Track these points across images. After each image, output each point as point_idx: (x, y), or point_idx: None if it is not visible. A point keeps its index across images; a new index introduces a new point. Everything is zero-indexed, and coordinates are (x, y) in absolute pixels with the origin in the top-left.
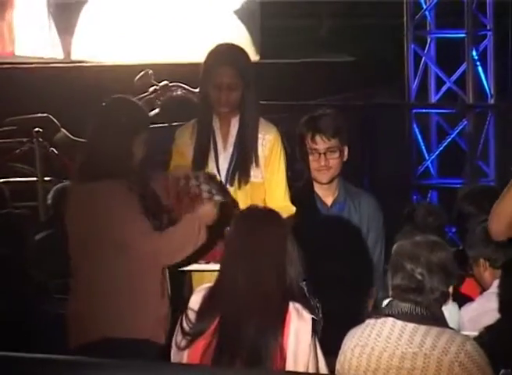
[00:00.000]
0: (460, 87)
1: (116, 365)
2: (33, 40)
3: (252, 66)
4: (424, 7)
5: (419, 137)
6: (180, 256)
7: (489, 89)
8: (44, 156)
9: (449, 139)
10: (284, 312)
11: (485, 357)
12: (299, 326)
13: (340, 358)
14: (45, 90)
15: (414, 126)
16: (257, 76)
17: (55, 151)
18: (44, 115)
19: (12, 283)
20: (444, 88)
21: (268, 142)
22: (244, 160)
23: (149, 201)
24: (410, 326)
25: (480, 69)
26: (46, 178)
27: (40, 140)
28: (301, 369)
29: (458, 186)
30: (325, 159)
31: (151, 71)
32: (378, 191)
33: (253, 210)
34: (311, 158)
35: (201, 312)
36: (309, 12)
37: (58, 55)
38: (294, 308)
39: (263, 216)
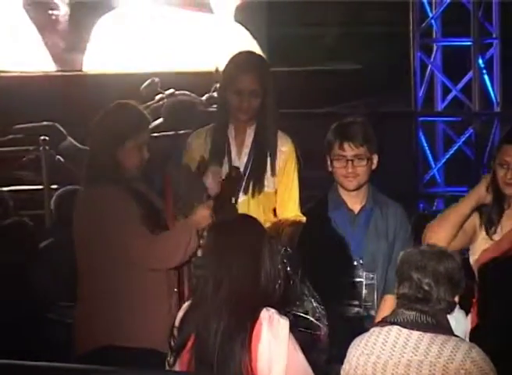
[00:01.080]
0: (467, 95)
1: (120, 373)
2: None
3: (271, 75)
4: (431, 15)
5: (425, 145)
6: (172, 261)
7: (495, 97)
8: (50, 164)
9: (456, 147)
10: (251, 319)
11: (491, 364)
12: (271, 332)
13: (345, 366)
14: (51, 98)
15: (421, 134)
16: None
17: (62, 160)
18: (51, 123)
19: (16, 291)
20: (450, 96)
21: (283, 154)
22: (259, 170)
23: (146, 205)
24: (416, 334)
25: (486, 77)
26: (52, 186)
27: (47, 148)
28: None
29: (464, 194)
30: (353, 167)
31: (157, 79)
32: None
33: (225, 220)
34: (338, 164)
35: (180, 328)
36: (315, 20)
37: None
38: (267, 315)
39: (235, 225)
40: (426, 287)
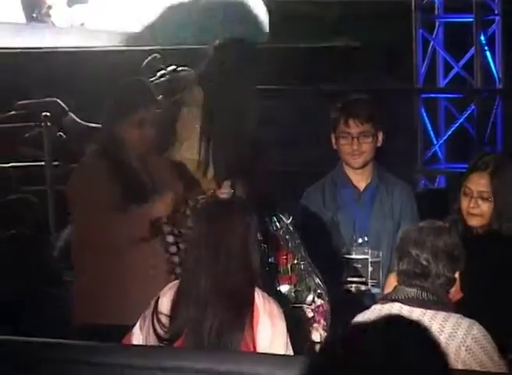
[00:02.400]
0: (468, 71)
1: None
2: None
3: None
4: None
5: (427, 121)
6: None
7: (497, 74)
8: (52, 140)
9: (457, 124)
10: (248, 306)
11: (492, 341)
12: (267, 313)
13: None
14: (53, 74)
15: (422, 110)
16: (263, 60)
17: (63, 136)
18: (53, 99)
19: (21, 265)
20: (452, 73)
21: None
22: None
23: (129, 181)
24: (417, 311)
25: (488, 53)
26: (54, 162)
27: (49, 124)
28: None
29: (465, 171)
30: (358, 144)
31: (159, 55)
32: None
33: (211, 204)
34: (343, 142)
35: (174, 316)
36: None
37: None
38: (261, 297)
39: (221, 208)
40: (424, 262)
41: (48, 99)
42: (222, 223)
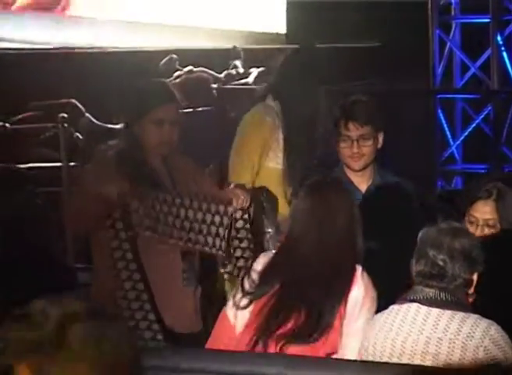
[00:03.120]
0: (485, 72)
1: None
2: None
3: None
4: None
5: (444, 122)
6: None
7: None
8: (68, 141)
9: (474, 125)
10: (352, 277)
11: (510, 342)
12: (362, 282)
13: (364, 343)
14: (70, 75)
15: (439, 111)
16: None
17: (80, 137)
18: (69, 100)
19: (38, 268)
20: (469, 74)
21: None
22: None
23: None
24: (435, 311)
25: (505, 54)
26: (71, 163)
27: (66, 125)
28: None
29: (483, 171)
30: (358, 146)
31: (175, 56)
32: (403, 177)
33: (319, 180)
34: (343, 144)
35: (265, 275)
36: None
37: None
38: (360, 274)
39: (330, 184)
40: (441, 263)
41: (64, 100)
42: (331, 198)
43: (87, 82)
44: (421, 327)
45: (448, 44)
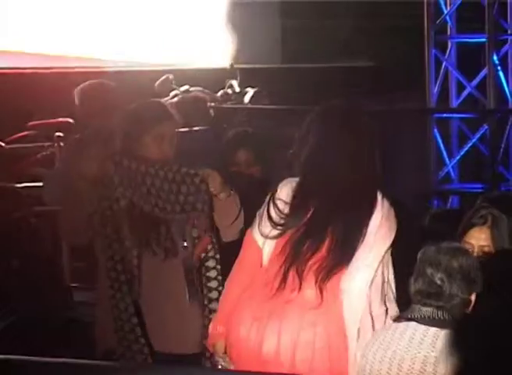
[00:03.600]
0: (481, 91)
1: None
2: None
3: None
4: (445, 12)
5: (440, 142)
6: None
7: (510, 94)
8: None
9: (470, 144)
10: (374, 202)
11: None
12: (382, 210)
13: (362, 361)
14: (66, 94)
15: (435, 131)
16: (278, 81)
17: None
18: (66, 119)
19: (34, 287)
20: (465, 93)
21: None
22: None
23: None
24: (433, 330)
25: (501, 73)
26: None
27: (62, 144)
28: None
29: (479, 191)
30: None
31: (171, 76)
32: (399, 196)
33: (337, 104)
34: None
35: (296, 205)
36: (328, 15)
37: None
38: (381, 201)
39: (348, 108)
40: (438, 282)
41: (61, 119)
42: (351, 124)
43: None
44: (418, 346)
45: (444, 63)
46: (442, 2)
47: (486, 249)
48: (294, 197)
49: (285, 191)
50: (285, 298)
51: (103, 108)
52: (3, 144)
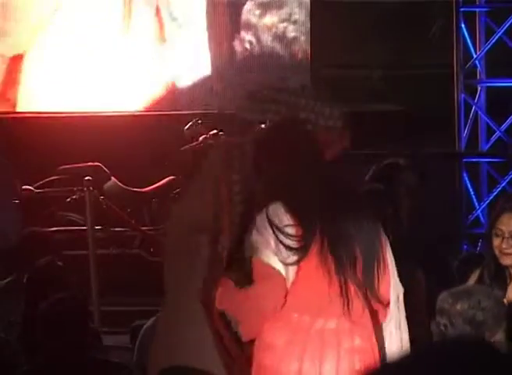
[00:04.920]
0: (511, 136)
1: None
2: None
3: None
4: (475, 56)
5: (469, 185)
6: None
7: None
8: (94, 205)
9: (500, 188)
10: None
11: None
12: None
13: None
14: (96, 139)
15: (464, 174)
16: None
17: (105, 200)
18: (95, 164)
19: (62, 331)
20: (494, 137)
21: None
22: None
23: None
24: None
25: None
26: (96, 227)
27: (91, 188)
28: None
29: None
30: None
31: (200, 120)
32: (428, 240)
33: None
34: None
35: (306, 226)
36: (359, 62)
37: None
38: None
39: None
40: (443, 329)
41: (90, 163)
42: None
43: (112, 146)
44: None
45: (473, 107)
46: (471, 47)
47: None
48: (299, 216)
49: (285, 215)
50: (322, 323)
51: None
52: (32, 189)
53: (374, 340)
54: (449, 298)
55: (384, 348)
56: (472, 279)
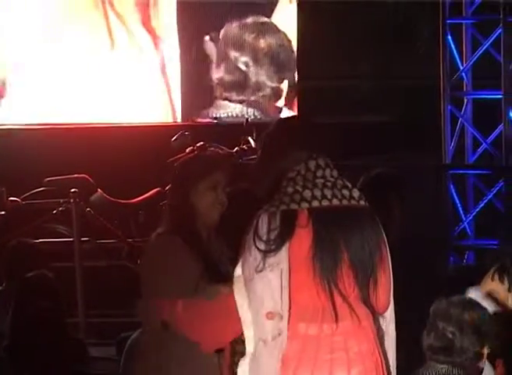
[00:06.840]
0: (497, 147)
1: None
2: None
3: None
4: (461, 68)
5: (456, 197)
6: None
7: None
8: (80, 217)
9: (486, 200)
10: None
11: None
12: None
13: None
14: (83, 151)
15: (451, 186)
16: None
17: (92, 212)
18: (81, 175)
19: (49, 341)
20: (481, 149)
21: None
22: None
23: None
24: None
25: None
26: (83, 238)
27: (77, 200)
28: None
29: (495, 247)
30: None
31: (187, 132)
32: (415, 252)
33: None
34: None
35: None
36: (346, 74)
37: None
38: None
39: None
40: (450, 336)
41: (76, 175)
42: None
43: (99, 157)
44: None
45: (460, 119)
46: (458, 59)
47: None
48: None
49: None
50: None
51: None
52: (19, 200)
53: (377, 343)
54: (458, 306)
55: (385, 352)
56: (490, 275)
